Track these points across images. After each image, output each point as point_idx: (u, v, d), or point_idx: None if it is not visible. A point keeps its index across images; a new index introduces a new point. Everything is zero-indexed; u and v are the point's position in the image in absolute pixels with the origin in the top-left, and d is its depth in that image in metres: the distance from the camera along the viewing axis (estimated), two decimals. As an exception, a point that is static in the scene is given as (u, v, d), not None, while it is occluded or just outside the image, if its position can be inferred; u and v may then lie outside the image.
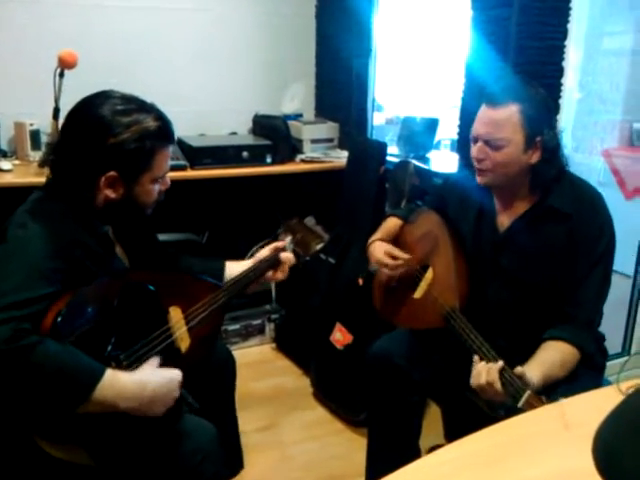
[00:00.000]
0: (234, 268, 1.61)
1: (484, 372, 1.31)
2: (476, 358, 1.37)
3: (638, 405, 0.66)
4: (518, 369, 1.28)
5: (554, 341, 1.43)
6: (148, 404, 1.16)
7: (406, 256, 1.67)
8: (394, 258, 1.68)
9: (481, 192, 1.60)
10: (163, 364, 1.25)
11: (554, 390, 1.31)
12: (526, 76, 1.78)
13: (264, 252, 1.65)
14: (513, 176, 1.48)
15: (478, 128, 1.48)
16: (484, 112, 1.47)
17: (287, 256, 1.66)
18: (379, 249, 1.72)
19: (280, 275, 1.65)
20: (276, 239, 1.74)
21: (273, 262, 1.63)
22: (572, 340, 1.43)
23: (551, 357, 1.40)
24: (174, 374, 1.23)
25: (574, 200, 1.48)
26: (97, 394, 1.07)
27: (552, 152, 1.45)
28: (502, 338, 1.41)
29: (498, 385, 1.28)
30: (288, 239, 1.73)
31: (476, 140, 1.49)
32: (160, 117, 1.29)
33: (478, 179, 1.53)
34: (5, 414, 1.16)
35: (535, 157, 1.45)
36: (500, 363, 1.30)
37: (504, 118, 1.43)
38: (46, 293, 1.10)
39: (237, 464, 1.81)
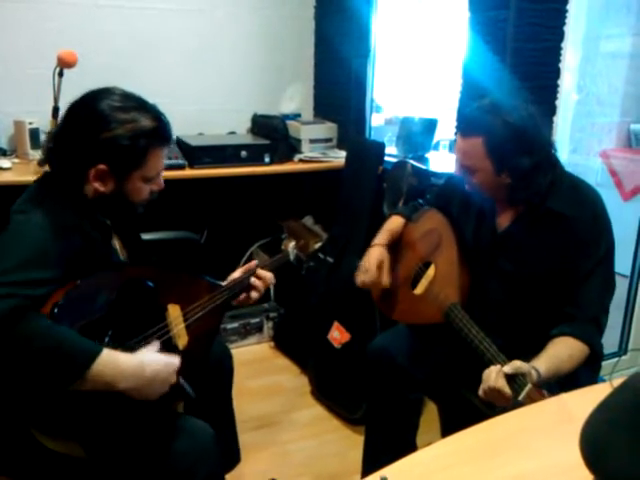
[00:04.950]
0: None
1: (492, 376, 1.30)
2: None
3: (623, 399, 0.67)
4: (522, 366, 1.29)
5: (564, 337, 1.43)
6: (146, 385, 1.16)
7: (387, 281, 1.74)
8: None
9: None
10: None
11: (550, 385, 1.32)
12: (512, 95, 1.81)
13: (236, 274, 1.59)
14: (493, 192, 1.53)
15: (455, 152, 1.54)
16: (457, 139, 1.53)
17: (264, 275, 1.58)
18: (374, 257, 1.74)
19: (252, 298, 1.57)
20: (280, 242, 1.74)
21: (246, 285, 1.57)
22: (581, 336, 1.43)
23: (559, 351, 1.40)
24: (172, 359, 1.23)
25: (574, 203, 1.48)
26: (95, 371, 1.07)
27: (523, 177, 1.45)
28: (500, 337, 1.42)
29: (507, 389, 1.28)
30: (291, 245, 1.73)
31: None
32: (158, 118, 1.29)
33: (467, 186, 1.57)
34: (1, 400, 1.17)
35: (508, 180, 1.47)
36: (504, 368, 1.29)
37: (469, 148, 1.47)
38: (48, 277, 1.11)
39: (234, 459, 1.81)
